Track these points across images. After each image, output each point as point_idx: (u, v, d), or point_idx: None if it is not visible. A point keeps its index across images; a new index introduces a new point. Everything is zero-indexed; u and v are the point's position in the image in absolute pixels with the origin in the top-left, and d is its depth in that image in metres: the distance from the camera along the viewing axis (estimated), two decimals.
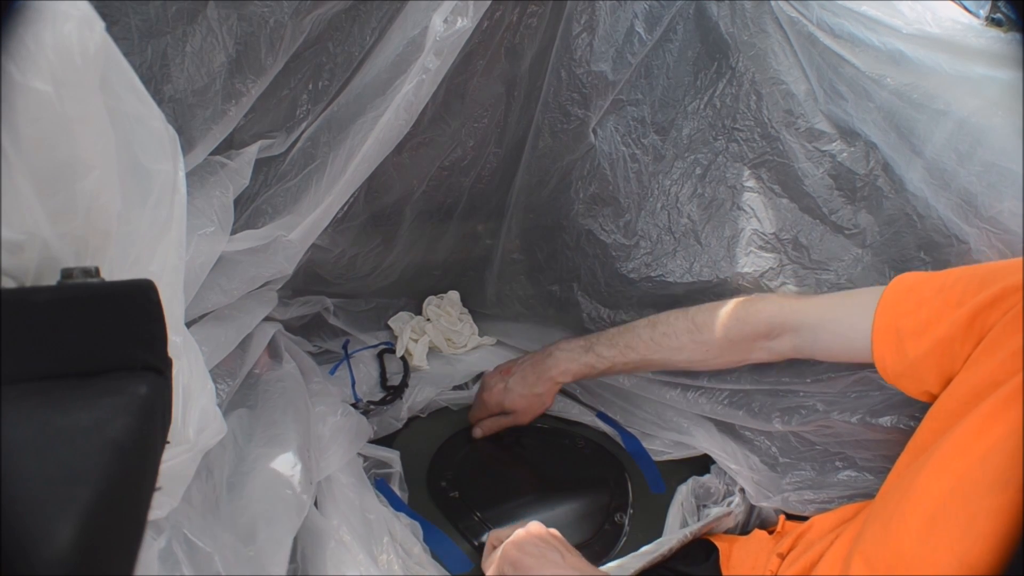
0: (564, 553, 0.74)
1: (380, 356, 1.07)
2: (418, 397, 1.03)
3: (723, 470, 0.96)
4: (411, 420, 1.01)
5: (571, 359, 0.93)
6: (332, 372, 1.02)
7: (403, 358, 1.08)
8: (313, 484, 0.70)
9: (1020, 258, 0.67)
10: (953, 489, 0.58)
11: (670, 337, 0.88)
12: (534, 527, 0.77)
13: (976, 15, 0.71)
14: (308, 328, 1.04)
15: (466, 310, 1.19)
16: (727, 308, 0.87)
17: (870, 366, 0.76)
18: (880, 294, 0.73)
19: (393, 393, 1.01)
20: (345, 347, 1.07)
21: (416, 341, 1.10)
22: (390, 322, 1.13)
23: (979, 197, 0.73)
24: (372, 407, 0.99)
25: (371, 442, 0.90)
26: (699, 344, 0.87)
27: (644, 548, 0.83)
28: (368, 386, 1.03)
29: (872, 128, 0.81)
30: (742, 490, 0.94)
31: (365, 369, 1.04)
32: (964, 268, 0.70)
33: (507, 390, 0.96)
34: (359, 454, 0.85)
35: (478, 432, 1.00)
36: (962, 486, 0.58)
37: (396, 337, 1.11)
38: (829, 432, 0.88)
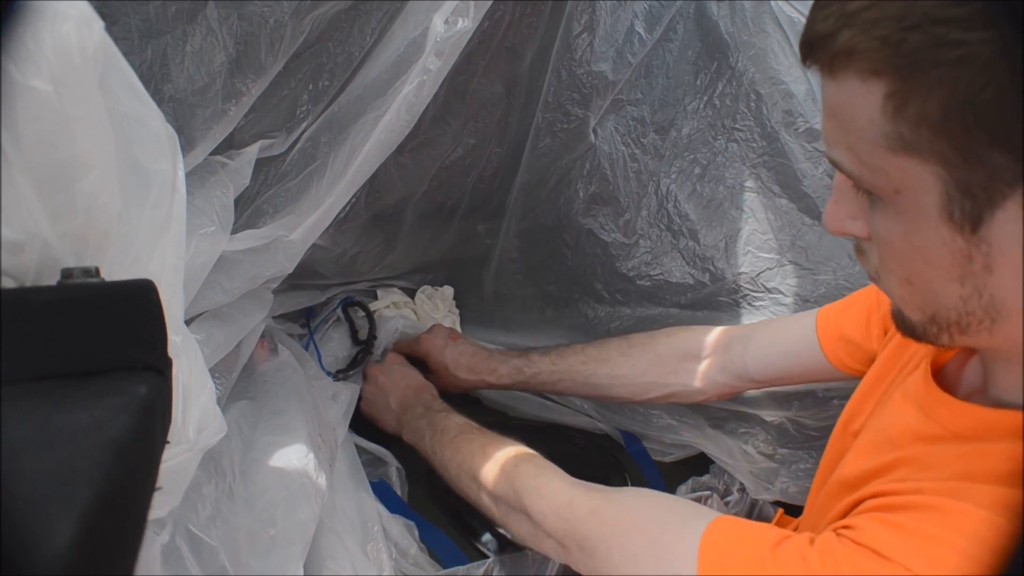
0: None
1: (346, 311, 1.05)
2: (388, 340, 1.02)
3: (723, 470, 0.96)
4: None
5: (503, 360, 0.93)
6: (306, 348, 0.97)
7: (368, 315, 1.05)
8: (331, 469, 0.70)
9: None
10: None
11: (600, 349, 0.88)
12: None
13: None
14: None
15: (456, 310, 1.18)
16: (662, 330, 0.87)
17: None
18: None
19: (363, 349, 0.99)
20: (308, 323, 1.02)
21: (389, 307, 1.09)
22: (379, 291, 1.12)
23: None
24: (341, 376, 0.96)
25: (371, 441, 0.90)
26: (625, 357, 0.86)
27: None
28: (341, 345, 1.01)
29: None
30: (741, 488, 0.94)
31: (334, 332, 1.02)
32: None
33: (445, 350, 0.95)
34: (356, 447, 0.85)
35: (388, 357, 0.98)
36: None
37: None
38: (829, 418, 0.88)
